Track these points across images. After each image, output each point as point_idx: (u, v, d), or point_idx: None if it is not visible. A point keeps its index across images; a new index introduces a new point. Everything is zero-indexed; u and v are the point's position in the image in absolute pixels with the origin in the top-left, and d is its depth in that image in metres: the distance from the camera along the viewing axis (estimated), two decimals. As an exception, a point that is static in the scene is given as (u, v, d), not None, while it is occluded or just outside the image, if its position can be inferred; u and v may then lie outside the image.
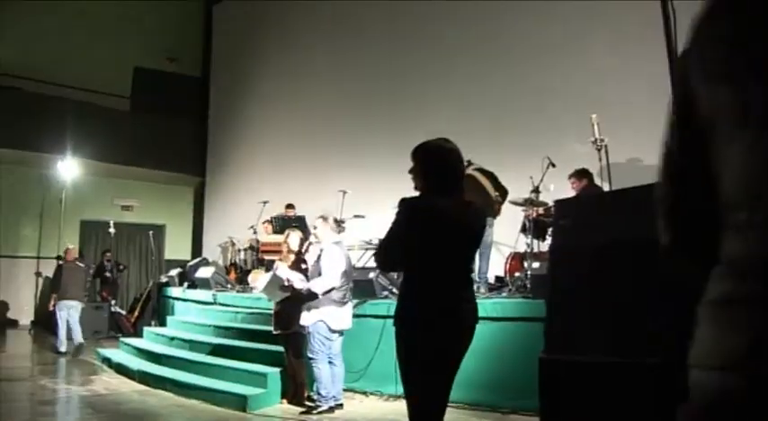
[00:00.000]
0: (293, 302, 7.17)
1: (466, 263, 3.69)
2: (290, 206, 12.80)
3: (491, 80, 11.18)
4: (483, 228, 3.83)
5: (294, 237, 7.69)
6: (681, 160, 1.20)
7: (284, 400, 7.44)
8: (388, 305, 7.56)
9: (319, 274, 6.76)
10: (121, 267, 15.93)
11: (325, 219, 7.10)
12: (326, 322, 6.72)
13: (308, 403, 7.13)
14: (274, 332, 7.42)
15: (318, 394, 6.85)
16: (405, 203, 3.39)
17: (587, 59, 9.87)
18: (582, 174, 8.43)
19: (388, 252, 3.53)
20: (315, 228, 7.29)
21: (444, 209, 3.44)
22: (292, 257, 7.54)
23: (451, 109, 11.58)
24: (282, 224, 11.70)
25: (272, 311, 7.60)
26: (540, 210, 8.48)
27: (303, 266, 7.38)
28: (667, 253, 1.25)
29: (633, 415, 3.51)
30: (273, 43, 16.30)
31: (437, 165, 3.51)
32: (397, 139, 12.10)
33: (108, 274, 15.40)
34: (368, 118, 13.20)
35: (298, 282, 7.09)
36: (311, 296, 6.78)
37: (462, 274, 3.60)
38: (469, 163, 9.50)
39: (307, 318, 6.78)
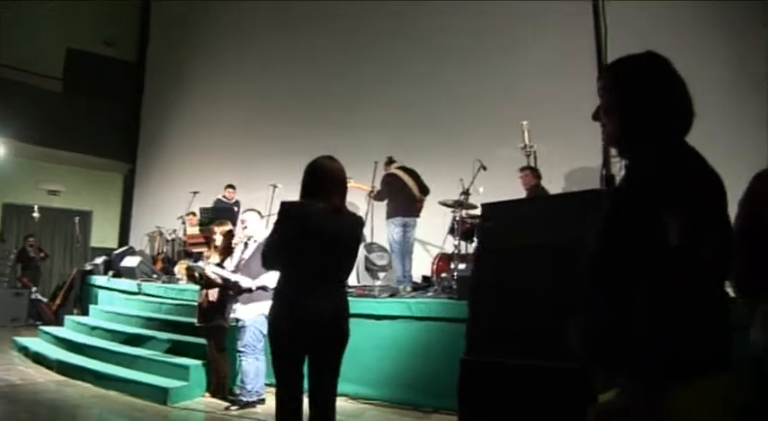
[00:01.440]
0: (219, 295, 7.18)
1: (334, 263, 3.98)
2: (230, 186, 12.76)
3: (426, 83, 11.25)
4: (353, 234, 4.15)
5: (218, 234, 7.61)
6: None
7: (206, 394, 7.37)
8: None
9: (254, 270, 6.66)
10: (42, 255, 15.48)
11: (261, 214, 7.12)
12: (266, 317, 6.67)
13: (229, 397, 7.09)
14: (197, 324, 7.36)
15: (244, 388, 6.82)
16: (283, 206, 3.93)
17: (521, 66, 10.02)
18: (535, 172, 8.68)
19: (272, 250, 3.98)
20: (243, 222, 7.22)
21: (312, 213, 3.86)
22: (218, 253, 7.48)
23: (385, 109, 11.65)
24: (211, 215, 11.58)
25: (196, 303, 7.53)
26: (470, 212, 8.59)
27: (229, 260, 7.32)
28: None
29: (547, 416, 3.58)
30: (211, 33, 16.11)
31: (312, 177, 3.98)
32: (330, 137, 12.16)
33: (32, 256, 15.02)
34: (301, 114, 13.15)
35: (246, 281, 6.88)
36: (246, 290, 6.73)
37: (330, 273, 3.96)
38: (391, 160, 9.62)
39: (245, 312, 6.68)
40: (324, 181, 3.96)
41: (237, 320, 6.87)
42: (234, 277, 6.84)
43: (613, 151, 2.20)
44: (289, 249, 3.86)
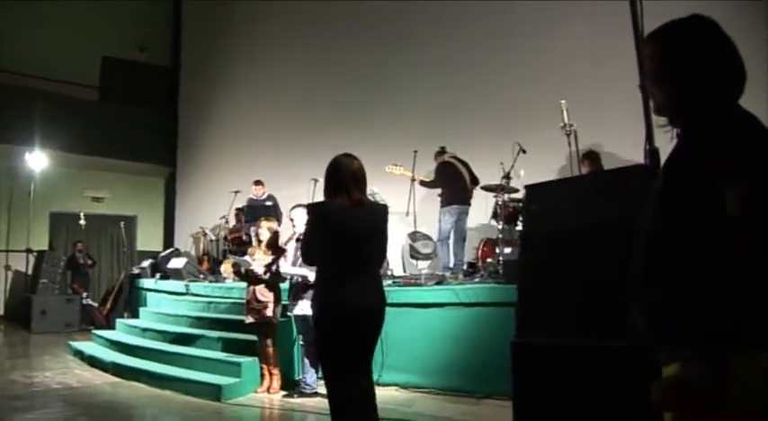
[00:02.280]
0: (267, 291, 7.27)
1: (360, 253, 4.17)
2: (258, 183, 12.68)
3: (462, 68, 11.19)
4: (379, 223, 4.35)
5: (264, 229, 7.67)
6: None
7: (258, 389, 7.42)
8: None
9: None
10: (90, 262, 15.71)
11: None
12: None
13: (282, 392, 7.19)
14: (247, 321, 7.41)
15: (305, 381, 7.00)
16: (308, 208, 4.40)
17: (557, 46, 9.93)
18: (594, 157, 8.55)
19: (306, 248, 4.32)
20: (292, 219, 7.25)
21: (335, 209, 4.13)
22: (263, 250, 7.53)
23: (423, 98, 11.62)
24: (253, 212, 11.66)
25: (243, 300, 7.59)
26: (512, 196, 8.54)
27: (283, 258, 7.37)
28: None
29: (603, 396, 3.55)
30: (244, 33, 16.17)
31: (332, 175, 4.24)
32: (369, 128, 12.20)
33: (80, 264, 15.26)
34: (339, 107, 13.16)
35: (309, 273, 6.87)
36: (306, 285, 6.75)
37: (358, 264, 4.14)
38: (443, 150, 9.63)
39: (308, 307, 6.65)
40: (344, 177, 4.20)
41: (301, 316, 6.93)
42: (300, 271, 6.88)
43: (659, 122, 2.13)
44: (321, 245, 4.16)
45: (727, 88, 1.95)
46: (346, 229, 4.10)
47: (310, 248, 4.27)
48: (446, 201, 9.45)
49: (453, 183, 9.49)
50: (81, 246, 15.48)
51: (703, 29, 2.00)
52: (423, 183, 9.74)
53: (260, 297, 7.28)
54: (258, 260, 7.43)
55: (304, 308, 6.71)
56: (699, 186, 1.80)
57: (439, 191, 9.71)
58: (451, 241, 9.39)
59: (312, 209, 4.32)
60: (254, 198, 12.55)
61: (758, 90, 7.55)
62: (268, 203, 12.36)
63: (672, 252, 1.88)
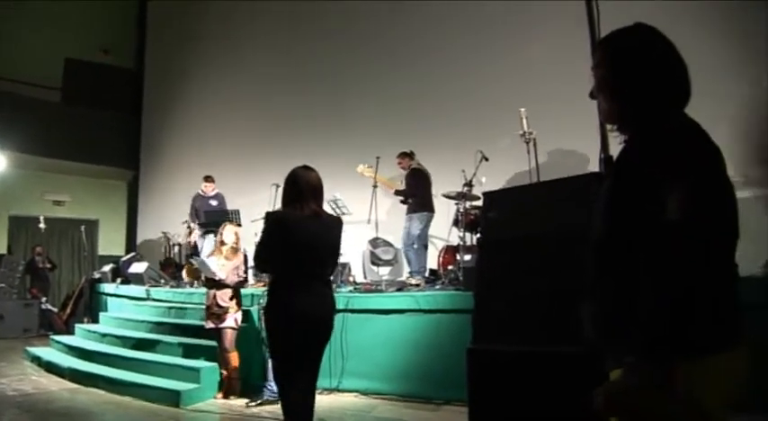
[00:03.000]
0: (228, 296, 7.26)
1: (313, 262, 4.31)
2: (208, 178, 12.56)
3: (426, 77, 11.23)
4: (333, 234, 4.51)
5: (229, 231, 7.67)
6: None
7: (218, 395, 7.40)
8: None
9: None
10: (49, 266, 15.48)
11: None
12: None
13: (243, 399, 7.17)
14: (207, 326, 7.38)
15: (268, 387, 6.96)
16: (265, 215, 4.40)
17: (517, 54, 10.01)
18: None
19: (259, 255, 4.37)
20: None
21: (292, 219, 4.27)
22: (225, 253, 7.51)
23: (387, 105, 11.65)
24: (212, 217, 11.60)
25: (204, 306, 7.56)
26: (473, 204, 8.59)
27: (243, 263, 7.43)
28: None
29: (556, 402, 3.59)
30: (208, 37, 16.11)
31: (290, 186, 4.39)
32: (331, 135, 12.22)
33: (40, 267, 15.05)
34: (302, 114, 13.15)
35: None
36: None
37: (310, 272, 4.28)
38: (412, 154, 9.67)
39: None
40: (301, 189, 4.35)
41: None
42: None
43: (610, 129, 2.17)
44: (275, 253, 4.25)
45: (672, 96, 2.00)
46: (300, 239, 4.22)
47: (263, 256, 4.35)
48: (417, 208, 9.44)
49: (425, 190, 9.52)
50: (40, 249, 15.25)
51: (647, 37, 2.04)
52: (398, 193, 9.69)
53: (220, 302, 7.28)
54: (221, 264, 7.41)
55: None
56: (643, 190, 1.83)
57: (398, 197, 9.73)
58: (414, 248, 9.41)
59: (268, 217, 4.39)
60: (202, 194, 12.47)
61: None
62: (213, 202, 12.38)
63: (617, 256, 1.91)
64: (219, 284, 7.32)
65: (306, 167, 4.48)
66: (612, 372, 1.97)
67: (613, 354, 1.98)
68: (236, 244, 7.62)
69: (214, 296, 7.31)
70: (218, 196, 12.53)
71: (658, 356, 1.76)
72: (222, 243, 7.63)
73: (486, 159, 8.39)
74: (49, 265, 15.42)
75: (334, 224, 4.54)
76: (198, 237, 12.19)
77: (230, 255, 7.50)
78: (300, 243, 4.22)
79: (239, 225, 9.64)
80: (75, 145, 16.54)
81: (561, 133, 8.70)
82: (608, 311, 1.94)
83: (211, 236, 11.03)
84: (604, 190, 1.99)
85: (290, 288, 4.22)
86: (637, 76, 2.01)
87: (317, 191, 4.40)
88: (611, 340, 1.96)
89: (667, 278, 1.74)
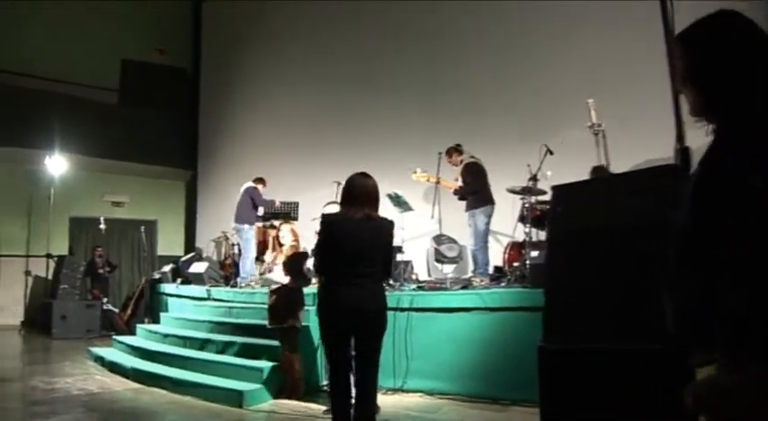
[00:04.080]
0: (286, 296, 7.27)
1: (361, 263, 4.78)
2: (259, 180, 12.62)
3: (489, 69, 11.20)
4: (384, 235, 4.99)
5: (286, 231, 7.67)
6: None
7: (281, 396, 7.43)
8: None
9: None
10: (108, 269, 15.78)
11: None
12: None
13: (306, 399, 7.19)
14: (269, 326, 7.42)
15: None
16: (321, 218, 5.07)
17: (583, 44, 9.90)
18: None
19: (315, 257, 5.03)
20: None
21: (344, 222, 4.83)
22: (285, 251, 7.52)
23: (452, 98, 11.63)
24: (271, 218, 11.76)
25: (266, 306, 7.61)
26: (539, 198, 8.52)
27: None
28: None
29: (637, 401, 3.52)
30: (265, 34, 16.28)
31: (346, 190, 4.94)
32: (394, 130, 12.22)
33: (99, 271, 15.36)
34: (364, 108, 13.23)
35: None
36: None
37: (357, 272, 4.75)
38: (460, 147, 9.60)
39: None
40: (355, 194, 4.86)
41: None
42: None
43: (696, 120, 2.10)
44: (330, 252, 4.81)
45: (761, 82, 1.93)
46: (349, 240, 4.75)
47: (320, 256, 4.93)
48: (479, 202, 9.37)
49: (483, 183, 9.48)
50: (101, 251, 15.56)
51: (731, 24, 1.98)
52: (458, 191, 9.61)
53: (283, 302, 7.29)
54: (281, 265, 7.42)
55: None
56: (731, 184, 1.78)
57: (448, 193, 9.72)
58: (481, 244, 9.35)
59: (322, 220, 5.00)
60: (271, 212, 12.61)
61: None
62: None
63: (704, 250, 1.86)
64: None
65: (363, 174, 5.00)
66: (701, 370, 1.92)
67: (699, 351, 1.92)
68: (296, 242, 7.61)
69: (276, 296, 7.35)
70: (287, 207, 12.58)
71: (749, 356, 1.70)
72: (280, 244, 7.66)
73: (551, 153, 8.29)
74: (108, 268, 15.73)
75: (386, 226, 4.99)
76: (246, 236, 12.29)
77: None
78: (349, 243, 4.74)
79: (295, 219, 9.71)
80: (133, 146, 16.91)
81: (629, 125, 8.58)
82: (693, 307, 1.89)
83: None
84: (693, 179, 1.94)
85: (339, 284, 4.75)
86: (721, 67, 1.94)
87: (370, 196, 4.89)
88: (698, 336, 1.90)
89: (759, 276, 1.68)
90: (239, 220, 12.11)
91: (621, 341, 3.64)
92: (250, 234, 12.15)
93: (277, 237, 7.76)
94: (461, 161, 9.68)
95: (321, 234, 4.91)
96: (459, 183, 9.58)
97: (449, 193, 9.82)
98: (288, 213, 12.00)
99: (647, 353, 3.43)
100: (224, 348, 8.72)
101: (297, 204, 12.09)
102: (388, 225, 5.02)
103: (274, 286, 7.46)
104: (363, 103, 13.21)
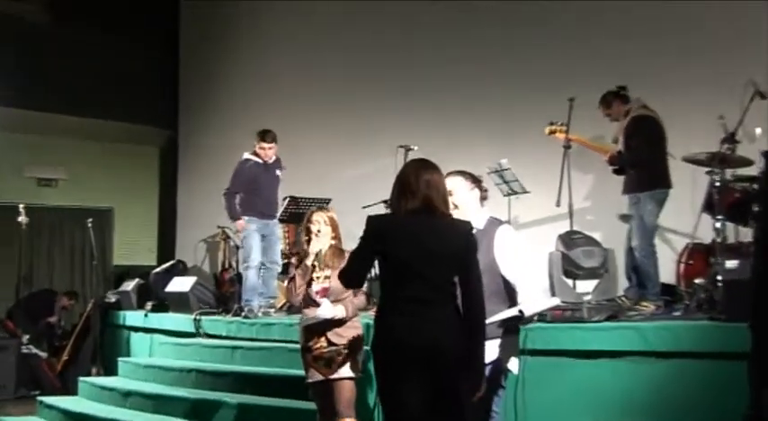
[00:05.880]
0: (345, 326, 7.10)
1: (424, 279, 4.99)
2: (263, 134, 11.93)
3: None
4: (456, 243, 5.13)
5: (322, 223, 7.34)
6: None
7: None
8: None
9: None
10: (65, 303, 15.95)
11: (474, 179, 6.52)
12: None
13: None
14: (310, 379, 7.11)
15: None
16: (367, 221, 5.16)
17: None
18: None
19: (346, 266, 5.43)
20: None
21: (396, 224, 5.16)
22: (325, 259, 7.30)
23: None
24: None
25: (298, 346, 7.44)
26: (737, 173, 8.44)
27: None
28: None
29: None
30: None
31: (398, 184, 5.18)
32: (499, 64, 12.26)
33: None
34: (446, 32, 13.34)
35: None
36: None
37: (420, 292, 4.97)
38: (625, 91, 9.43)
39: (486, 355, 6.38)
40: (412, 189, 5.05)
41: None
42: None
43: None
44: (367, 266, 5.30)
45: None
46: (403, 250, 4.99)
47: (350, 267, 5.32)
48: (650, 181, 9.19)
49: (660, 151, 9.30)
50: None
51: None
52: (617, 159, 9.48)
53: (333, 337, 7.00)
54: (324, 276, 7.18)
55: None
56: None
57: (611, 168, 9.61)
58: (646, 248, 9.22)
59: (367, 222, 5.15)
60: (254, 158, 12.07)
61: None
62: (277, 172, 12.16)
63: None
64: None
65: (422, 161, 5.30)
66: None
67: None
68: (337, 240, 7.45)
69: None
70: (279, 164, 12.25)
71: None
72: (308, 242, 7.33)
73: (763, 96, 8.16)
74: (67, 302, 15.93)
75: (460, 228, 5.19)
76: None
77: (334, 259, 7.35)
78: (404, 255, 4.97)
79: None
80: (75, 90, 16.98)
81: None
82: None
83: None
84: None
85: (390, 309, 5.05)
86: None
87: (436, 190, 5.08)
88: None
89: None
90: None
91: None
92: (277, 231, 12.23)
93: (306, 233, 7.44)
94: (627, 113, 9.49)
95: (362, 238, 5.16)
96: (620, 146, 9.48)
97: (583, 167, 9.75)
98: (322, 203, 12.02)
99: None
100: (225, 415, 8.76)
101: (327, 201, 11.89)
102: (464, 227, 5.21)
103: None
104: (440, 38, 13.35)
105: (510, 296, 6.05)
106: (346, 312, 7.01)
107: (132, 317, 13.11)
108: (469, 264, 5.16)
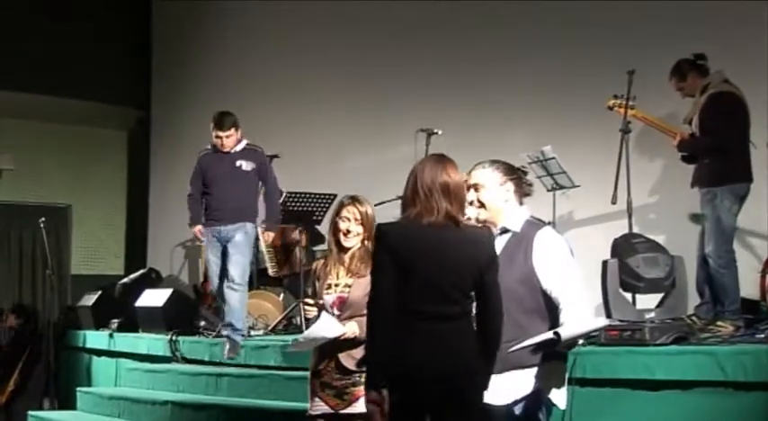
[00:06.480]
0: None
1: (435, 295, 5.06)
2: (219, 120, 11.44)
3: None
4: (473, 251, 5.19)
5: (352, 221, 7.18)
6: None
7: None
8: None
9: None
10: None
11: (508, 170, 6.55)
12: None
13: None
14: (312, 411, 7.00)
15: None
16: (376, 231, 5.45)
17: None
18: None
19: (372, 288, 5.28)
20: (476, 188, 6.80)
21: (403, 234, 5.16)
22: (351, 262, 7.13)
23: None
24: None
25: (296, 374, 7.39)
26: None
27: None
28: None
29: None
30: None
31: (413, 185, 5.21)
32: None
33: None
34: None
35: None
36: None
37: (431, 310, 5.04)
38: (703, 61, 9.32)
39: (519, 387, 6.35)
40: (423, 190, 5.10)
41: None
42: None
43: None
44: (393, 281, 5.04)
45: None
46: (414, 261, 5.04)
47: (383, 291, 5.09)
48: (730, 173, 9.08)
49: (742, 136, 9.15)
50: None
51: None
52: (688, 145, 9.37)
53: (346, 363, 6.83)
54: (344, 284, 7.06)
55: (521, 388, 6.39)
56: None
57: (680, 154, 9.53)
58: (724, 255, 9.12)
59: (381, 230, 5.26)
60: (209, 150, 11.83)
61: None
62: (245, 166, 11.67)
63: None
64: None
65: (438, 158, 5.33)
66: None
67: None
68: (368, 241, 7.17)
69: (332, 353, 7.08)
70: (251, 154, 11.84)
71: None
72: (339, 243, 7.17)
73: None
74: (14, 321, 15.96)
75: (480, 237, 5.26)
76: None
77: (360, 265, 7.12)
78: (415, 267, 5.01)
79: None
80: (28, 61, 17.04)
81: None
82: None
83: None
84: None
85: (398, 330, 4.97)
86: None
87: (452, 192, 5.10)
88: None
89: None
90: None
91: None
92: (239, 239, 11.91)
93: (334, 232, 7.23)
94: (705, 88, 9.30)
95: (377, 254, 5.20)
96: (694, 127, 9.39)
97: (653, 152, 9.75)
98: (311, 213, 12.00)
99: None
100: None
101: (331, 198, 11.78)
102: (485, 237, 5.28)
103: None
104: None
105: (553, 315, 5.83)
106: (360, 330, 6.52)
107: (94, 338, 13.12)
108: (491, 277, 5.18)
